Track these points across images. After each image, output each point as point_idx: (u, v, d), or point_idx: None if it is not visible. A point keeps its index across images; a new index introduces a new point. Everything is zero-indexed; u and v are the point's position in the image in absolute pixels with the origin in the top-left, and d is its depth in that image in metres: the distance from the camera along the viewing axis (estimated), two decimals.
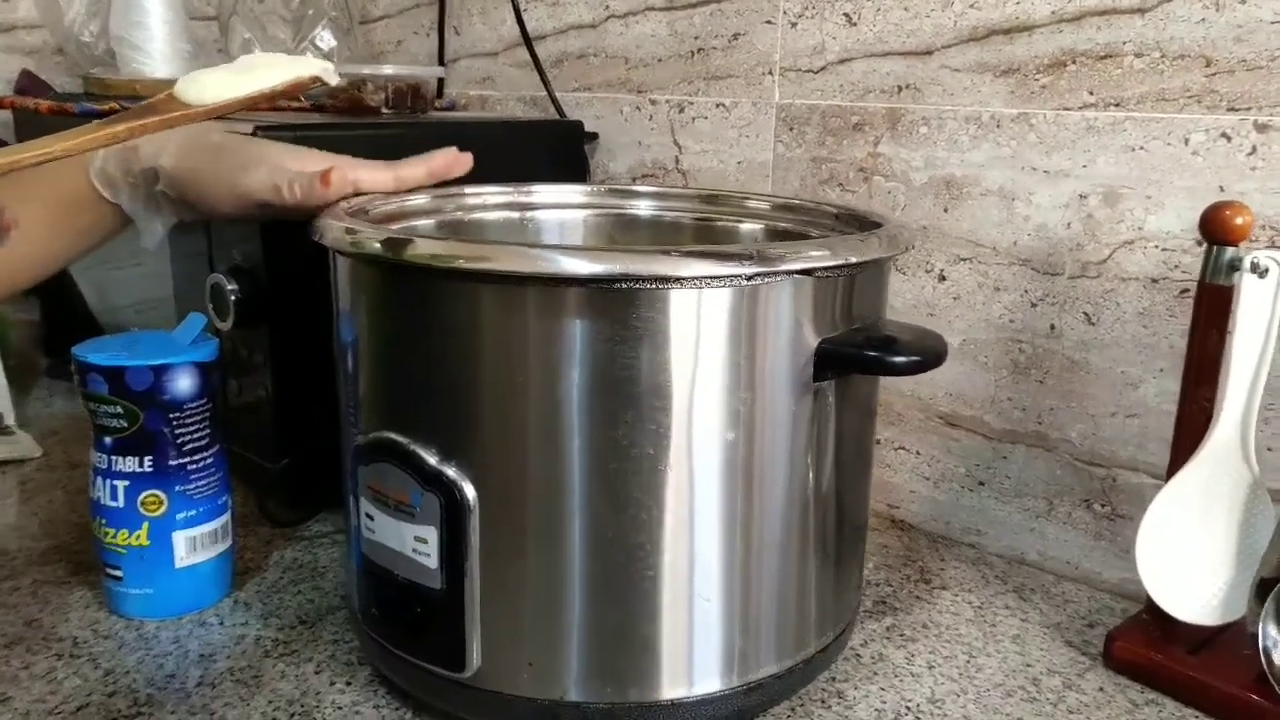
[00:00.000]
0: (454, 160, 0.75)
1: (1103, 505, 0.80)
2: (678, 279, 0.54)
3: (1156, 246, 0.75)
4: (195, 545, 0.75)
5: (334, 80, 0.67)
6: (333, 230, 0.61)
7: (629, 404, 0.56)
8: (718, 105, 0.97)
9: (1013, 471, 0.84)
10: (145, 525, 0.73)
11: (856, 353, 0.60)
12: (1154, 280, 0.75)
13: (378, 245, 0.58)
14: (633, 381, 0.56)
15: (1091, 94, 0.76)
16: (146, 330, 0.79)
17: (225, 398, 0.91)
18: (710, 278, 0.55)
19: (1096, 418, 0.79)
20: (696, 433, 0.57)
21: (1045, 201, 0.79)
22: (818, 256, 0.57)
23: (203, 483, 0.75)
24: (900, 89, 0.85)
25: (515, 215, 0.81)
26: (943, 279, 0.85)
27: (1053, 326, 0.80)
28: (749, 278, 0.55)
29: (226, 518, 0.77)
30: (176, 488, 0.73)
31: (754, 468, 0.60)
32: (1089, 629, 0.75)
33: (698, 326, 0.56)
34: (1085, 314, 0.79)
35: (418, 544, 0.61)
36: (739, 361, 0.57)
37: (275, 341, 0.86)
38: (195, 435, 0.74)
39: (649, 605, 0.59)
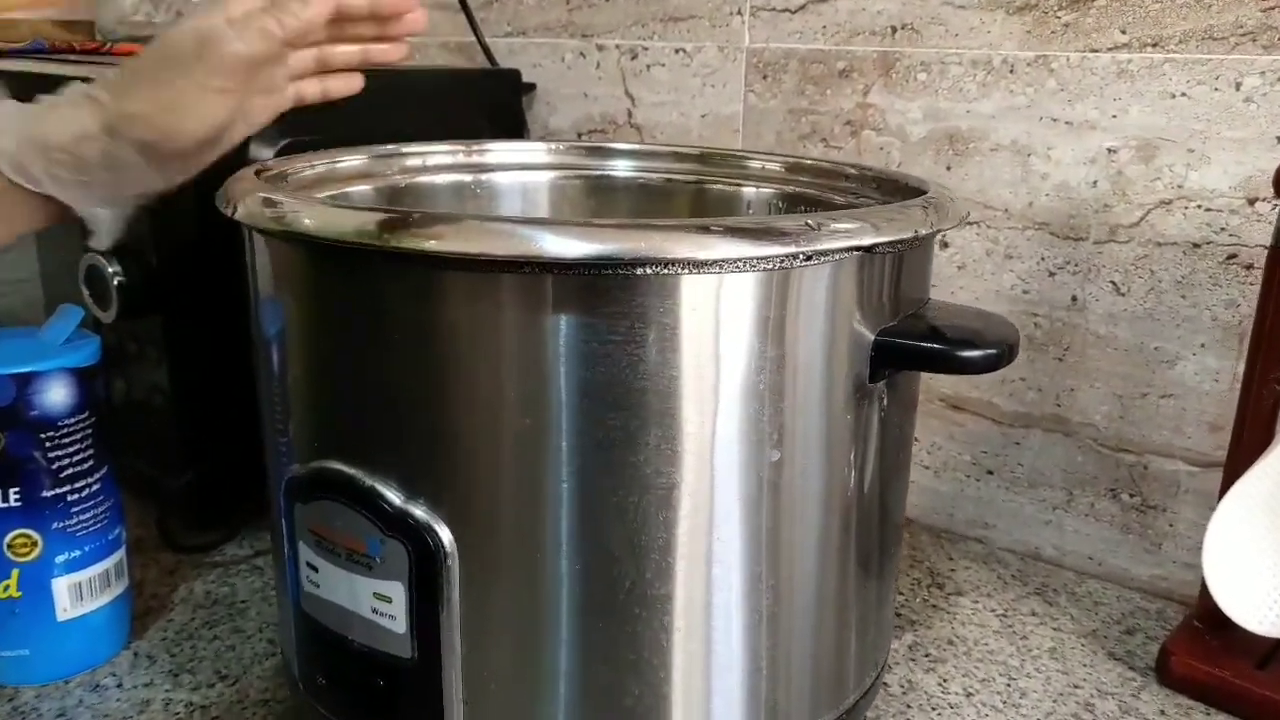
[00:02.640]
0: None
1: (1131, 495, 0.69)
2: (713, 263, 0.40)
3: (1199, 206, 0.63)
4: (81, 592, 0.58)
5: None
6: (248, 202, 0.44)
7: (652, 422, 0.42)
8: (677, 50, 0.81)
9: (1026, 459, 0.72)
10: (15, 573, 0.56)
11: (920, 346, 0.46)
12: (1195, 245, 0.64)
13: (308, 222, 0.42)
14: (654, 393, 0.41)
15: (1124, 33, 0.64)
16: (7, 327, 0.61)
17: (111, 402, 0.73)
18: (755, 259, 0.41)
19: (1125, 399, 0.68)
20: (734, 454, 0.43)
21: (1067, 157, 0.67)
22: (884, 229, 0.43)
23: (87, 516, 0.58)
24: (894, 30, 0.72)
25: (466, 179, 0.65)
26: (945, 245, 0.72)
27: (1074, 298, 0.68)
28: (807, 257, 0.41)
29: (120, 554, 0.60)
30: (54, 525, 0.56)
31: (795, 491, 0.46)
32: (1128, 636, 0.64)
33: (736, 319, 0.42)
34: (1113, 283, 0.67)
35: (379, 603, 0.45)
36: (784, 361, 0.43)
37: (171, 333, 0.69)
38: (75, 458, 0.56)
39: (669, 668, 0.45)
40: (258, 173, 0.51)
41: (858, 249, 0.43)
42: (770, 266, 0.41)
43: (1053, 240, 0.68)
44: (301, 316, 0.46)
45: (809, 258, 0.41)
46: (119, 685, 0.57)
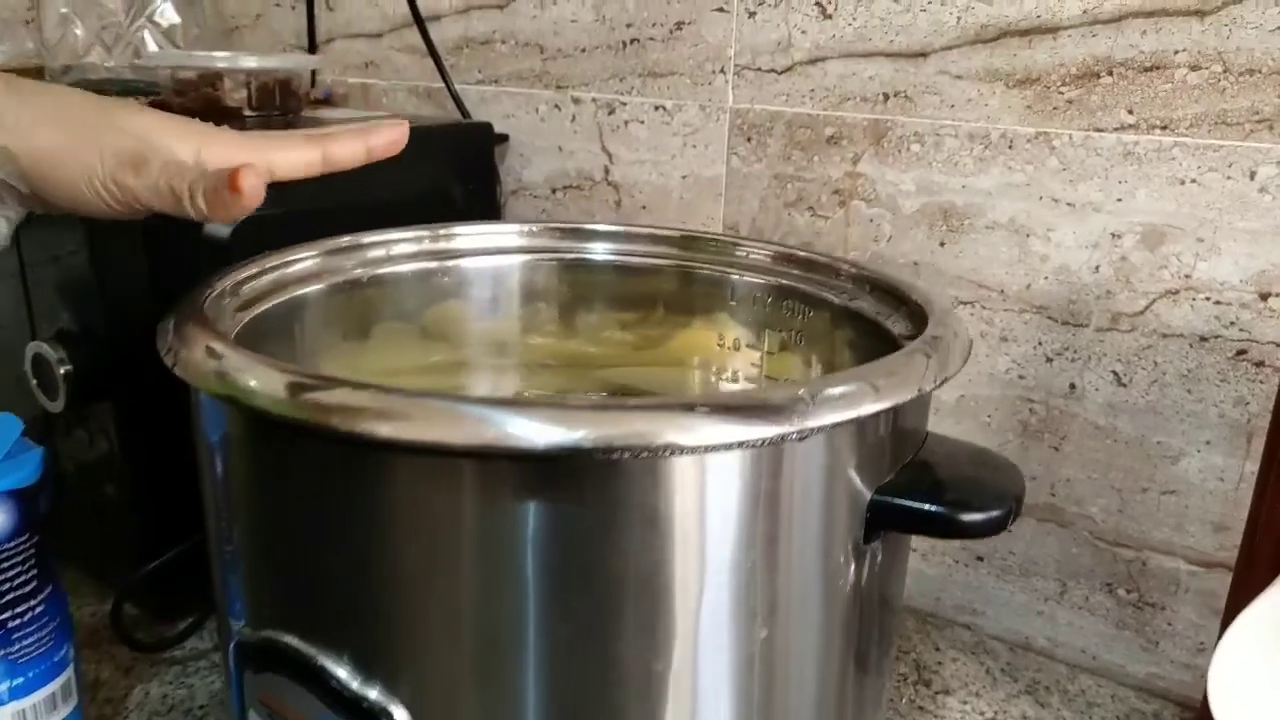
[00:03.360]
0: (398, 136, 0.52)
1: (1128, 591, 0.65)
2: (690, 448, 0.36)
3: (1208, 299, 0.59)
4: None
5: None
6: (191, 358, 0.39)
7: (632, 609, 0.38)
8: (657, 107, 0.76)
9: (1018, 548, 0.68)
10: None
11: (920, 510, 0.42)
12: (1203, 338, 0.59)
13: (254, 384, 0.37)
14: (635, 579, 0.37)
15: (1131, 113, 0.59)
16: None
17: (61, 484, 0.69)
18: (745, 442, 0.36)
19: (1124, 493, 0.64)
20: (722, 634, 0.39)
21: (1068, 240, 0.62)
22: (885, 388, 0.39)
23: (30, 641, 0.53)
24: (887, 97, 0.67)
25: (432, 266, 0.60)
26: None
27: (1073, 386, 0.64)
28: (801, 436, 0.37)
29: (68, 673, 0.55)
30: None
31: (787, 662, 0.42)
32: None
33: (724, 498, 0.38)
34: (1114, 373, 0.62)
35: None
36: (776, 535, 0.39)
37: (125, 420, 0.64)
38: (16, 583, 0.52)
39: None
40: (202, 300, 0.45)
41: (860, 419, 0.38)
42: (761, 444, 0.37)
43: (1051, 325, 0.64)
44: (246, 479, 0.41)
45: (803, 436, 0.37)
46: None
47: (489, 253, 0.61)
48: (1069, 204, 0.62)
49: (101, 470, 0.65)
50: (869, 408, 0.38)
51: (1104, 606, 0.66)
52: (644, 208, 0.78)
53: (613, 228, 0.62)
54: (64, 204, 0.47)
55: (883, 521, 0.42)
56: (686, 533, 0.37)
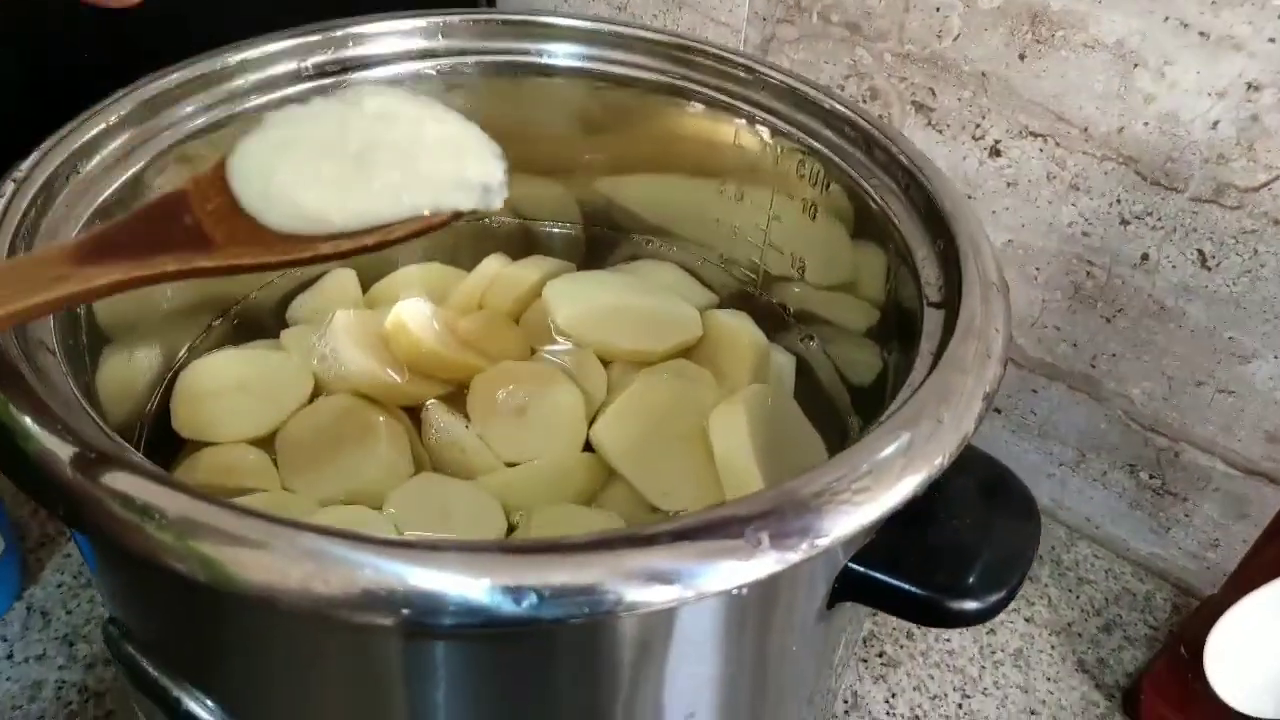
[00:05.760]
0: None
1: (1152, 476, 0.55)
2: (635, 605, 0.25)
3: None
4: None
5: (499, 204, 0.29)
6: None
7: None
8: None
9: (1041, 409, 0.57)
10: None
11: (900, 589, 0.31)
12: None
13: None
14: None
15: None
16: None
17: None
18: (724, 591, 0.25)
19: (1175, 381, 0.51)
20: None
21: (1188, 80, 0.44)
22: (917, 458, 0.27)
23: None
24: None
25: (328, 84, 0.43)
26: (996, 154, 0.51)
27: (1146, 256, 0.49)
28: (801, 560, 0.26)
29: None
30: None
31: None
32: (1104, 635, 0.54)
33: (690, 648, 0.29)
34: (1200, 252, 0.47)
35: None
36: (733, 662, 0.30)
37: None
38: None
39: None
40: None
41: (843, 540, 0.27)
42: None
43: (1137, 182, 0.48)
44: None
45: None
46: (9, 656, 0.49)
47: (410, 57, 0.44)
48: (1201, 33, 0.43)
49: None
50: (872, 515, 0.27)
51: (1120, 485, 0.56)
52: None
53: (580, 22, 0.44)
54: None
55: (849, 594, 0.31)
56: (639, 690, 0.28)
